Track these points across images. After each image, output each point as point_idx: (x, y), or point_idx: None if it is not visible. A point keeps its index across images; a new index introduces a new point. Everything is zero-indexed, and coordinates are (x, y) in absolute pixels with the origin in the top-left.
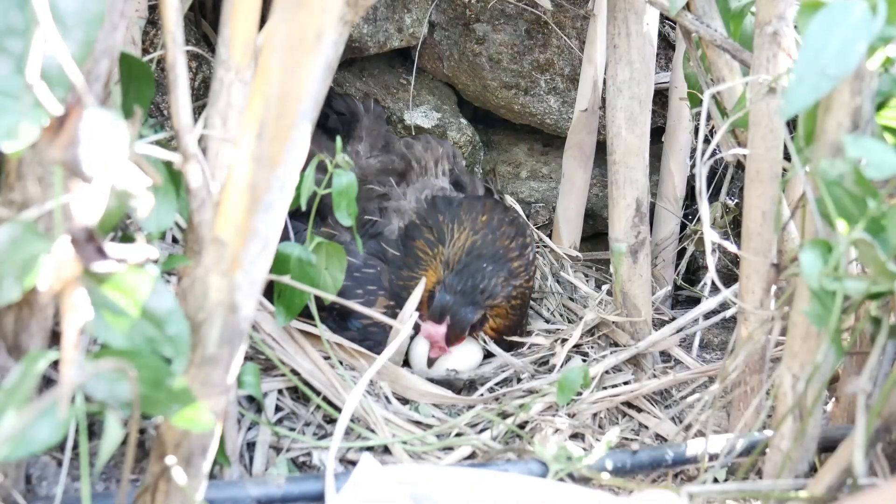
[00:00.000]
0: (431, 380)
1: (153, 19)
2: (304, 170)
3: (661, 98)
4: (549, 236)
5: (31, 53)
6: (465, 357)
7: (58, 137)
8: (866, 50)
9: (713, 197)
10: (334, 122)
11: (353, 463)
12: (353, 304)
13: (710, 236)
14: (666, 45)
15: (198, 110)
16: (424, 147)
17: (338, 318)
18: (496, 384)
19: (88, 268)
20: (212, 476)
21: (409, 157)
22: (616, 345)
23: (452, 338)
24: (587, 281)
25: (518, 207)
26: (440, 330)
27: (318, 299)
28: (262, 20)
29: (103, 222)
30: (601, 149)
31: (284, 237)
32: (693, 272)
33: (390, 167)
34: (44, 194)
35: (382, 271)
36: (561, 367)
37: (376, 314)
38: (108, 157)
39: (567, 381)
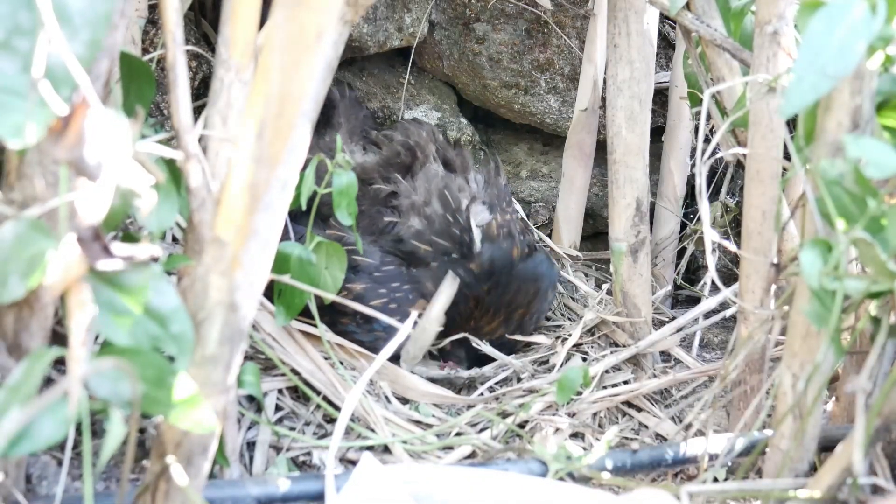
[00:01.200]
0: (432, 379)
1: (153, 19)
2: (303, 169)
3: (660, 97)
4: (549, 236)
5: (36, 53)
6: None
7: (63, 137)
8: (866, 49)
9: (713, 196)
10: None
11: (354, 462)
12: (352, 303)
13: (710, 236)
14: (666, 45)
15: (198, 110)
16: (403, 134)
17: (361, 321)
18: (496, 384)
19: (94, 266)
20: (212, 475)
21: (415, 148)
22: (616, 344)
23: None
24: (587, 280)
25: (519, 207)
26: None
27: (330, 303)
28: (263, 20)
29: (107, 221)
30: (601, 148)
31: (284, 237)
32: (693, 272)
33: (397, 161)
34: (46, 193)
35: (417, 275)
36: (561, 366)
37: (381, 315)
38: (112, 156)
39: (567, 381)
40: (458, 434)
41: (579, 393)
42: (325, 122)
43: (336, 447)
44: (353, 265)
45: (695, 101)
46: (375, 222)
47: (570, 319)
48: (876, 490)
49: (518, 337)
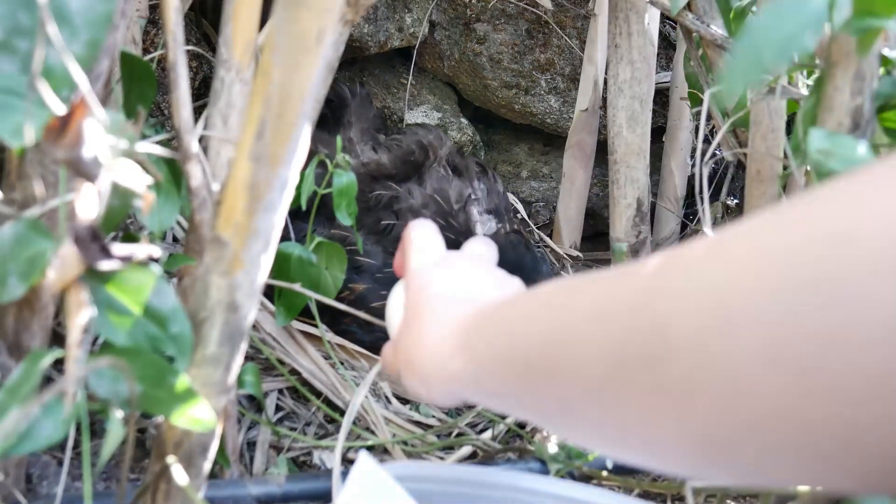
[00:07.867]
0: None
1: (154, 19)
2: (304, 169)
3: (661, 98)
4: (550, 236)
5: (35, 53)
6: None
7: (62, 137)
8: (814, 44)
9: (714, 196)
10: (323, 108)
11: (353, 462)
12: (354, 311)
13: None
14: (667, 45)
15: (198, 110)
16: (413, 136)
17: (364, 322)
18: None
19: (93, 266)
20: (212, 475)
21: (428, 147)
22: None
23: None
24: None
25: (520, 206)
26: None
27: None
28: (263, 20)
29: (106, 221)
30: (602, 148)
31: (285, 237)
32: None
33: (411, 159)
34: (46, 193)
35: None
36: None
37: (362, 314)
38: (111, 157)
39: None
40: (458, 434)
41: None
42: (335, 120)
43: (341, 446)
44: (356, 265)
45: (695, 101)
46: (382, 228)
47: None
48: None
49: None
